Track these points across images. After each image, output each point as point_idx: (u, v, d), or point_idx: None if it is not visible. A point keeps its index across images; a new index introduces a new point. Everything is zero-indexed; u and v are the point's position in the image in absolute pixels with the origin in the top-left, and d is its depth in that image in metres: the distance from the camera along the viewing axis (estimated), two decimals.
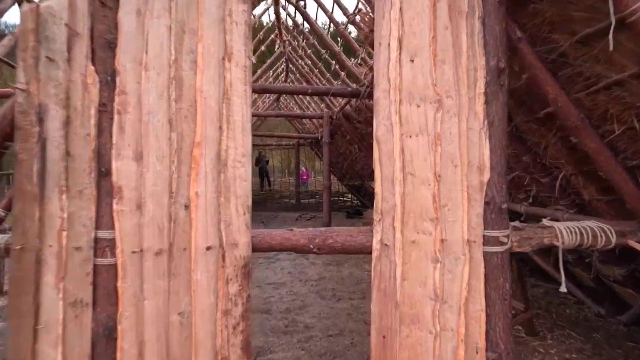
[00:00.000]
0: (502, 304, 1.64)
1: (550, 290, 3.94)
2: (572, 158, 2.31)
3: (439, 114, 1.66)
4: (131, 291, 1.51)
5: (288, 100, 12.97)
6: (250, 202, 1.63)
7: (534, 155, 2.71)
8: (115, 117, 1.54)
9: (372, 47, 4.07)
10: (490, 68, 1.67)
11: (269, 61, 7.60)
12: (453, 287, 1.63)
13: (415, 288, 1.64)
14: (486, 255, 1.64)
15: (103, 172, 1.53)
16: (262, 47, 6.96)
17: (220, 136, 1.60)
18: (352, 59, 5.04)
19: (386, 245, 1.66)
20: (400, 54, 1.68)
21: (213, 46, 1.61)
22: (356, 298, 3.80)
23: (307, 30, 6.45)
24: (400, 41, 1.67)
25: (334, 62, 5.60)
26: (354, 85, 5.06)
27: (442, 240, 1.64)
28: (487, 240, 1.65)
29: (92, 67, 1.53)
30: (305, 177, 15.43)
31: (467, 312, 1.62)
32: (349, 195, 13.65)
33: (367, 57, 4.54)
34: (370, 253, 1.68)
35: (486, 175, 1.65)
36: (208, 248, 1.57)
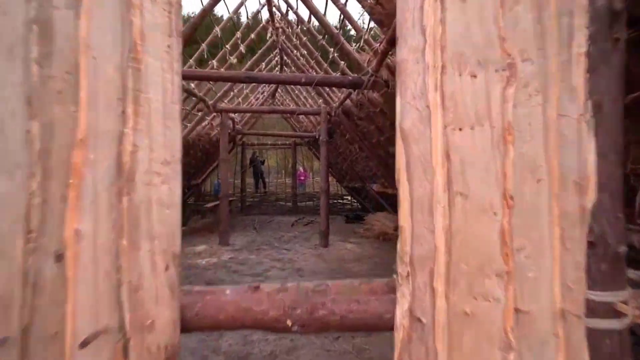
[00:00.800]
0: None
1: None
2: None
3: (511, 89, 0.96)
4: None
5: (284, 97, 12.27)
6: (178, 247, 0.92)
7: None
8: None
9: (378, 23, 3.36)
10: (597, 11, 0.96)
11: (259, 51, 6.88)
12: None
13: None
14: (592, 336, 0.95)
15: None
16: (252, 35, 6.25)
17: (122, 128, 0.89)
18: (354, 44, 4.33)
19: (419, 320, 0.95)
20: None
21: None
22: (360, 335, 3.08)
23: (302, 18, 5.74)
24: None
25: (331, 49, 4.89)
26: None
27: (516, 311, 0.94)
28: (592, 309, 0.95)
29: None
30: (302, 178, 14.86)
31: None
32: (349, 198, 13.00)
33: (370, 40, 3.83)
34: (391, 330, 0.98)
35: (590, 197, 0.95)
36: (97, 334, 0.86)
